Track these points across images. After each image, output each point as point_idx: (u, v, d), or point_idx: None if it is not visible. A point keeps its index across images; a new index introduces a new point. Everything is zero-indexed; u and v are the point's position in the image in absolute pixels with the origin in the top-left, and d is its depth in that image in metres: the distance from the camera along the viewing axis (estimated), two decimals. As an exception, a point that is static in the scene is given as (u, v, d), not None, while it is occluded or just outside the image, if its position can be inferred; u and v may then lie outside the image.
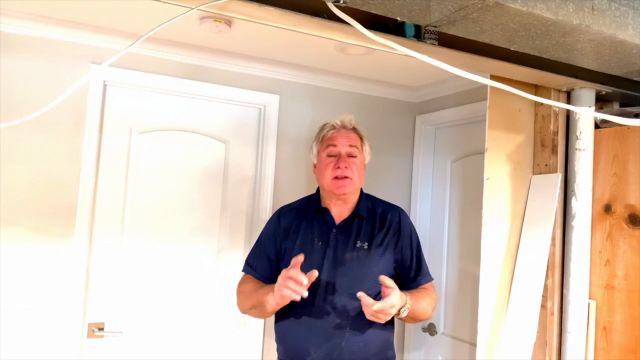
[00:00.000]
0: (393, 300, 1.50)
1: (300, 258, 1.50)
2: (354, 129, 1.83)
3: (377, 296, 1.66)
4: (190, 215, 2.38)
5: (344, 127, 1.81)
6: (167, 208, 2.33)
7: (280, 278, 1.51)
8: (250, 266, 1.83)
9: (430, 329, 2.65)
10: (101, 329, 2.18)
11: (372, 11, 1.12)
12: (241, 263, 2.43)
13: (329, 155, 1.76)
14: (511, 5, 1.05)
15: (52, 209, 2.08)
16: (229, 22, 1.89)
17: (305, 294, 1.47)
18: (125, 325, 2.23)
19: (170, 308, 2.32)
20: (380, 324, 1.65)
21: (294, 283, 1.46)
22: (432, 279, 1.83)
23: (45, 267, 2.07)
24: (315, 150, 1.84)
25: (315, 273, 1.50)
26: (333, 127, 1.81)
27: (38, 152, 2.06)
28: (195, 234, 2.38)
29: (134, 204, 2.27)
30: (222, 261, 2.44)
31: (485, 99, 1.87)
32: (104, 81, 2.19)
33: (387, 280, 1.53)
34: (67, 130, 2.11)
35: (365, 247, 1.71)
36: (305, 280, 1.47)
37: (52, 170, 2.09)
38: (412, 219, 2.04)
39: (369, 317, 1.52)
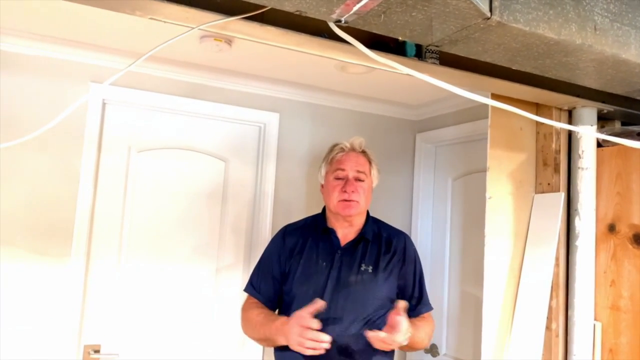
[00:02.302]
0: (399, 339, 1.48)
1: (318, 305, 1.47)
2: (364, 152, 1.81)
3: (379, 320, 1.64)
4: (189, 235, 2.35)
5: (353, 150, 1.80)
6: (165, 227, 2.30)
7: (295, 330, 1.46)
8: (254, 287, 1.79)
9: (433, 351, 2.61)
10: (97, 351, 2.13)
11: (374, 31, 1.11)
12: (240, 283, 2.42)
13: (337, 178, 1.75)
14: (514, 25, 1.04)
15: (48, 229, 2.06)
16: (229, 41, 1.89)
17: (327, 346, 1.44)
18: (122, 348, 2.18)
19: (168, 329, 2.28)
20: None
21: (313, 343, 1.43)
22: (432, 308, 1.81)
23: (41, 288, 2.04)
24: (323, 172, 1.83)
25: (320, 303, 1.47)
26: (342, 150, 1.79)
27: (35, 170, 2.05)
28: (194, 254, 2.35)
29: (132, 224, 2.24)
30: (221, 281, 2.40)
31: (486, 117, 1.86)
32: (103, 99, 2.18)
33: (401, 307, 1.50)
34: (65, 148, 2.10)
35: (370, 270, 1.69)
36: (328, 340, 1.43)
37: (49, 189, 2.07)
38: (412, 238, 2.02)
39: (377, 346, 1.49)
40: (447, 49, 1.21)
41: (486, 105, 2.18)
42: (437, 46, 1.19)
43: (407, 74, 1.41)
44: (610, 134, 1.71)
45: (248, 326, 1.73)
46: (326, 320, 1.60)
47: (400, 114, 2.85)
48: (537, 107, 1.84)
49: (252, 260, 2.42)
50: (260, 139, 2.52)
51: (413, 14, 1.01)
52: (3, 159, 1.99)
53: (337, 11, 1.02)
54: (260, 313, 1.70)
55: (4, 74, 2.01)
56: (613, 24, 1.20)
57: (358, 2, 0.98)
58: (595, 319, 1.71)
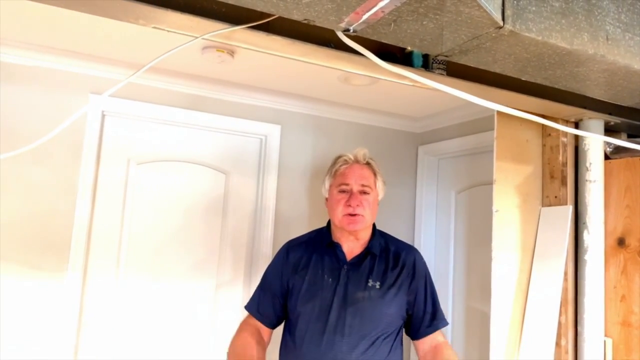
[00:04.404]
0: None
1: None
2: (368, 164, 1.74)
3: (387, 337, 1.59)
4: (188, 249, 2.30)
5: (357, 162, 1.73)
6: (164, 241, 2.26)
7: None
8: (254, 305, 1.74)
9: (437, 367, 2.55)
10: (93, 369, 2.08)
11: (383, 40, 1.09)
12: (240, 299, 2.37)
13: (341, 192, 1.68)
14: (526, 34, 1.02)
15: (45, 243, 2.01)
16: (231, 52, 1.87)
17: None
18: (119, 365, 2.13)
19: (166, 347, 2.22)
20: None
21: None
22: (447, 323, 1.73)
23: (37, 303, 1.98)
24: (327, 185, 1.76)
25: None
26: (346, 162, 1.73)
27: (33, 182, 2.01)
28: (194, 269, 2.31)
29: (130, 238, 2.20)
30: (221, 297, 2.35)
31: (489, 130, 1.84)
32: (103, 111, 2.15)
33: None
34: (63, 161, 2.06)
35: (378, 286, 1.62)
36: None
37: (46, 202, 2.03)
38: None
39: None
40: (456, 59, 1.18)
41: (489, 118, 2.16)
42: (446, 56, 1.17)
43: (412, 85, 1.40)
44: (619, 145, 1.69)
45: (229, 350, 1.67)
46: (333, 338, 1.56)
47: (402, 126, 2.83)
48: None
49: (252, 276, 2.38)
50: (262, 151, 2.49)
51: (424, 22, 0.98)
52: (0, 171, 1.95)
53: (346, 20, 1.00)
54: (244, 348, 1.63)
55: (3, 84, 1.98)
56: (625, 34, 1.18)
57: (368, 11, 0.95)
58: (605, 335, 1.68)
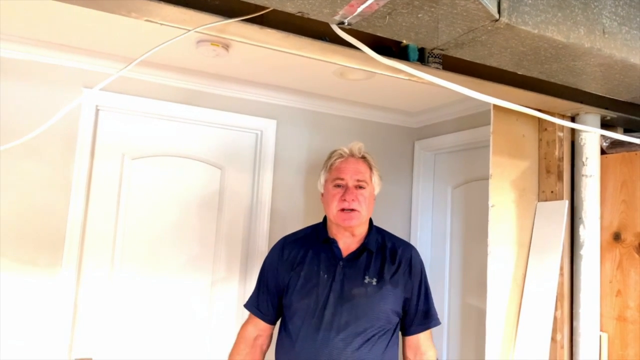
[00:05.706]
0: None
1: None
2: (364, 158, 1.73)
3: (383, 335, 1.59)
4: (183, 245, 2.29)
5: (352, 156, 1.71)
6: (159, 237, 2.25)
7: None
8: (253, 303, 1.74)
9: (433, 363, 2.56)
10: (88, 365, 2.07)
11: (378, 34, 1.08)
12: (236, 296, 2.37)
13: (336, 186, 1.67)
14: (522, 27, 1.01)
15: (39, 238, 2.00)
16: (226, 46, 1.86)
17: None
18: (114, 361, 2.12)
19: (161, 344, 2.21)
20: None
21: None
22: (440, 323, 1.73)
23: (31, 299, 1.97)
24: (322, 180, 1.75)
25: None
26: (341, 156, 1.71)
27: (26, 178, 1.99)
28: (189, 265, 2.30)
29: (125, 233, 2.19)
30: (216, 294, 2.34)
31: (486, 125, 1.83)
32: (97, 106, 2.14)
33: None
34: (57, 156, 2.05)
35: (374, 283, 1.61)
36: None
37: (40, 198, 2.01)
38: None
39: None
40: (452, 52, 1.17)
41: (485, 113, 2.16)
42: (442, 50, 1.16)
43: (408, 79, 1.39)
44: (615, 140, 1.69)
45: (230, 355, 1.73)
46: (329, 335, 1.55)
47: (398, 121, 2.82)
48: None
49: (248, 271, 2.37)
50: (257, 146, 2.48)
51: (419, 15, 0.97)
52: (-8, 167, 1.93)
53: (341, 12, 0.99)
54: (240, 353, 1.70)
55: (-5, 79, 1.97)
56: (621, 27, 1.17)
57: (363, 3, 0.94)
58: (601, 330, 1.68)
